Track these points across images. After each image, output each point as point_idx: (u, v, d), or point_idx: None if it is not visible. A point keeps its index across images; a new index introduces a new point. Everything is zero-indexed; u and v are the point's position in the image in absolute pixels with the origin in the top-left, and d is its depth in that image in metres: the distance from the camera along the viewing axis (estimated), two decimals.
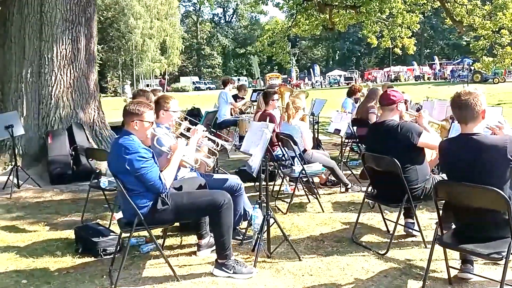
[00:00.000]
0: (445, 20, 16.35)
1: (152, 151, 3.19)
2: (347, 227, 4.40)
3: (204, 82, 56.49)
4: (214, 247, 3.75)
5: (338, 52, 66.43)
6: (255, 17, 69.16)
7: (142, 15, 43.53)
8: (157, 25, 45.45)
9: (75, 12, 6.80)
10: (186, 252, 3.82)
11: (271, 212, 3.63)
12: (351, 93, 7.91)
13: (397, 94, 3.83)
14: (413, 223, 4.06)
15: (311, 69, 50.54)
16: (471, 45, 15.73)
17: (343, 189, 5.66)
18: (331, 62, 65.97)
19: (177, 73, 57.75)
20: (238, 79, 55.14)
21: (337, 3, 14.53)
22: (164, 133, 3.73)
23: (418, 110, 6.69)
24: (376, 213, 4.72)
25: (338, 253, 3.73)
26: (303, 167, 4.79)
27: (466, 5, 13.77)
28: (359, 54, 65.93)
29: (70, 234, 4.32)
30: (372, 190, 4.05)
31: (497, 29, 14.21)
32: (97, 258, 3.73)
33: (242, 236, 3.98)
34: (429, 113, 6.15)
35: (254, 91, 10.92)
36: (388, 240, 3.97)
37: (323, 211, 4.88)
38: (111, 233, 3.90)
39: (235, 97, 9.74)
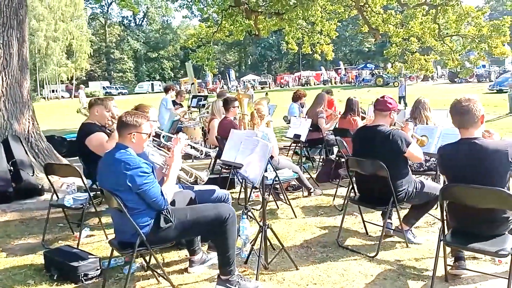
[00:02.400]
0: (348, 28, 17.48)
1: (152, 165, 2.96)
2: (326, 232, 4.46)
3: (116, 87, 54.13)
4: (206, 263, 3.61)
5: (250, 57, 67.61)
6: (167, 21, 67.96)
7: (46, 17, 40.56)
8: (62, 27, 42.58)
9: (6, 15, 6.10)
10: (177, 270, 3.61)
11: (267, 222, 3.55)
12: (296, 98, 8.07)
13: (393, 102, 3.96)
14: (391, 223, 4.24)
15: (226, 74, 50.81)
16: (384, 51, 16.87)
17: (305, 193, 5.74)
18: (243, 67, 66.94)
19: (85, 78, 54.65)
20: (152, 84, 53.79)
21: (262, 10, 14.78)
22: (146, 145, 3.49)
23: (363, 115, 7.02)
24: (347, 216, 4.86)
25: (330, 259, 3.75)
26: (276, 173, 4.77)
27: (382, 14, 14.78)
28: (270, 59, 67.69)
29: (33, 259, 3.88)
30: (355, 194, 4.15)
31: (407, 37, 15.48)
32: (77, 284, 3.37)
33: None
34: (371, 116, 6.50)
35: (193, 97, 10.69)
36: (371, 242, 4.15)
37: (296, 217, 4.90)
38: (90, 256, 3.55)
39: (173, 103, 9.45)
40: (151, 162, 3.22)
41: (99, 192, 4.54)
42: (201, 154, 3.83)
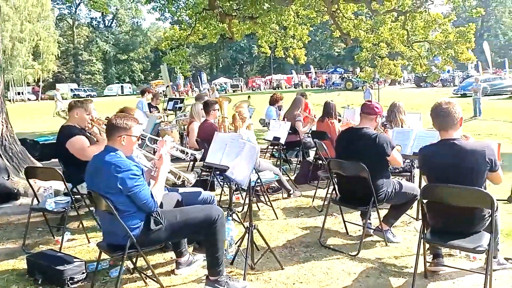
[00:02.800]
0: (318, 33, 17.78)
1: (142, 168, 2.98)
2: (308, 232, 4.56)
3: (84, 90, 53.01)
4: (193, 265, 3.64)
5: (222, 60, 67.55)
6: (137, 22, 66.99)
7: (11, 17, 39.29)
8: (28, 28, 41.35)
9: None
10: (163, 272, 3.62)
11: (254, 223, 3.62)
12: (273, 101, 8.18)
13: (379, 107, 4.12)
14: (370, 223, 4.38)
15: (198, 77, 50.62)
16: (355, 56, 17.25)
17: (285, 195, 5.83)
18: (215, 70, 66.80)
19: (52, 80, 53.20)
20: (122, 86, 52.98)
21: (236, 14, 14.85)
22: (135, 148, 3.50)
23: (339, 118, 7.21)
24: (327, 216, 4.98)
25: (314, 259, 3.85)
26: (258, 176, 4.85)
27: (353, 20, 15.12)
28: (242, 63, 67.84)
29: (15, 264, 3.83)
30: (336, 195, 4.27)
31: (377, 42, 15.90)
32: None
33: None
34: (351, 120, 6.69)
35: (169, 100, 10.64)
36: (352, 242, 4.28)
37: (277, 218, 4.98)
38: (75, 260, 3.52)
39: (149, 106, 9.41)
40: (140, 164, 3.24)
41: (79, 196, 4.54)
42: (187, 156, 3.85)
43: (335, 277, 3.49)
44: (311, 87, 49.24)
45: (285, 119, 7.07)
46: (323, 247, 4.12)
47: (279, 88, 48.12)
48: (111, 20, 67.33)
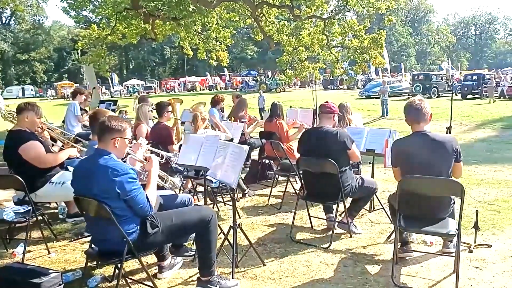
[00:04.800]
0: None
1: (136, 171, 2.90)
2: (275, 229, 4.70)
3: None
4: (175, 268, 3.61)
5: (133, 61, 65.26)
6: (39, 20, 62.06)
7: None
8: None
9: None
10: (144, 277, 3.51)
11: (237, 222, 3.67)
12: (215, 103, 8.18)
13: (335, 106, 4.38)
14: (334, 217, 4.64)
15: (108, 78, 48.41)
16: (277, 59, 17.80)
17: (240, 195, 5.92)
18: (125, 71, 64.32)
19: None
20: (23, 88, 48.96)
21: (160, 14, 14.58)
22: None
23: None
24: (285, 213, 5.19)
25: (290, 253, 4.00)
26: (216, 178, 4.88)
27: (276, 24, 15.61)
28: (154, 64, 66.14)
29: None
30: (304, 191, 4.46)
31: (297, 46, 16.57)
32: None
33: (194, 252, 3.87)
34: (295, 120, 6.99)
35: (101, 102, 10.12)
36: (319, 235, 4.51)
37: (240, 217, 5.06)
38: (50, 271, 3.29)
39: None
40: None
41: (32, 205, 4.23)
42: (161, 159, 3.79)
43: (317, 269, 3.66)
44: (225, 89, 49.59)
45: (231, 120, 7.15)
46: (294, 242, 4.28)
47: (194, 90, 47.84)
48: (9, 17, 61.69)
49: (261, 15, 14.98)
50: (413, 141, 3.45)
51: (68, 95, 42.61)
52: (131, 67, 65.55)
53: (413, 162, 3.39)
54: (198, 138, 4.05)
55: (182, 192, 5.41)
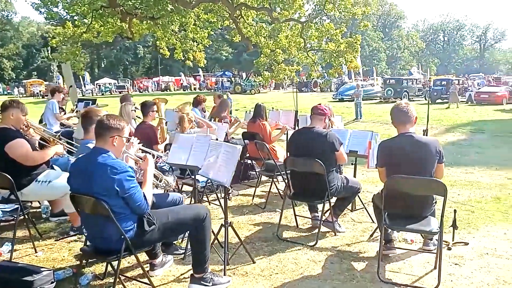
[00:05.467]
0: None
1: (133, 169, 2.94)
2: (261, 228, 4.80)
3: None
4: (167, 265, 3.65)
5: (105, 59, 64.11)
6: (7, 16, 60.06)
7: None
8: None
9: None
10: (136, 275, 3.55)
11: (228, 220, 3.74)
12: (197, 103, 8.20)
13: (327, 109, 4.51)
14: (319, 216, 4.77)
15: (80, 76, 47.44)
16: (254, 61, 17.91)
17: (223, 195, 5.96)
18: (97, 70, 63.12)
19: None
20: None
21: (138, 13, 14.47)
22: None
23: None
24: (270, 212, 5.29)
25: (278, 251, 4.10)
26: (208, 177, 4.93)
27: (254, 26, 15.73)
28: (127, 63, 65.19)
29: None
30: (290, 190, 4.57)
31: (274, 49, 16.73)
32: None
33: (184, 250, 3.93)
34: (277, 121, 7.11)
35: (79, 100, 9.95)
36: (304, 234, 4.62)
37: (226, 217, 5.11)
38: (42, 269, 3.28)
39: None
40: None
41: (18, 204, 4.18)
42: (153, 157, 3.82)
43: (305, 266, 3.77)
44: (200, 89, 49.42)
45: (215, 120, 7.20)
46: (281, 240, 4.39)
47: (168, 90, 47.44)
48: None
49: (240, 16, 15.07)
50: (399, 142, 3.61)
51: (37, 93, 41.62)
52: (103, 65, 64.40)
53: (399, 163, 3.55)
54: (189, 137, 4.10)
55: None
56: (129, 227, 2.88)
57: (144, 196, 2.92)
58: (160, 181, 3.47)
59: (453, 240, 4.19)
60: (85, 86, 42.89)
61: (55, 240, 4.39)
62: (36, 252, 4.04)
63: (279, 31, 16.18)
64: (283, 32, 16.09)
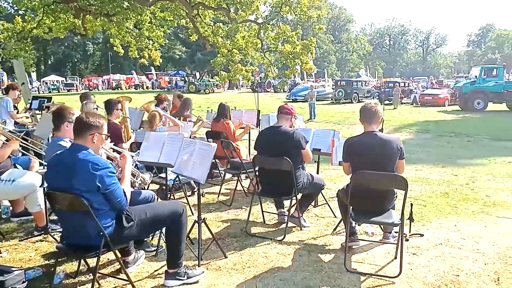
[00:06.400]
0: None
1: (113, 165, 2.97)
2: (229, 224, 4.91)
3: None
4: (139, 262, 3.69)
5: (52, 56, 61.51)
6: None
7: None
8: None
9: None
10: (109, 273, 3.56)
11: (202, 217, 3.83)
12: (159, 102, 8.17)
13: (293, 109, 4.70)
14: (285, 212, 4.95)
15: (26, 73, 45.27)
16: (211, 61, 17.94)
17: (189, 193, 6.03)
18: (43, 67, 60.45)
19: None
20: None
21: (92, 10, 14.11)
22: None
23: None
24: (236, 209, 5.42)
25: (248, 246, 4.22)
26: (178, 174, 4.98)
27: (211, 25, 15.77)
28: (75, 60, 62.87)
29: None
30: (259, 188, 4.71)
31: (231, 49, 16.85)
32: None
33: (156, 247, 3.97)
34: (240, 120, 7.25)
35: (34, 98, 9.58)
36: (272, 229, 4.78)
37: (193, 214, 5.19)
38: (13, 268, 3.24)
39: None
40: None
41: None
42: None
43: (275, 259, 3.93)
44: (152, 88, 48.62)
45: (180, 119, 7.22)
46: (250, 236, 4.52)
47: (119, 89, 46.34)
48: None
49: (197, 16, 15.06)
50: (364, 139, 3.85)
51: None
52: (50, 62, 61.78)
53: (363, 158, 3.78)
54: (160, 135, 4.13)
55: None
56: (108, 223, 2.91)
57: (124, 192, 2.96)
58: (136, 178, 3.50)
59: (410, 232, 4.49)
60: (31, 84, 40.97)
61: (19, 241, 4.29)
62: (0, 252, 3.94)
63: (236, 31, 16.32)
64: (240, 33, 16.24)
